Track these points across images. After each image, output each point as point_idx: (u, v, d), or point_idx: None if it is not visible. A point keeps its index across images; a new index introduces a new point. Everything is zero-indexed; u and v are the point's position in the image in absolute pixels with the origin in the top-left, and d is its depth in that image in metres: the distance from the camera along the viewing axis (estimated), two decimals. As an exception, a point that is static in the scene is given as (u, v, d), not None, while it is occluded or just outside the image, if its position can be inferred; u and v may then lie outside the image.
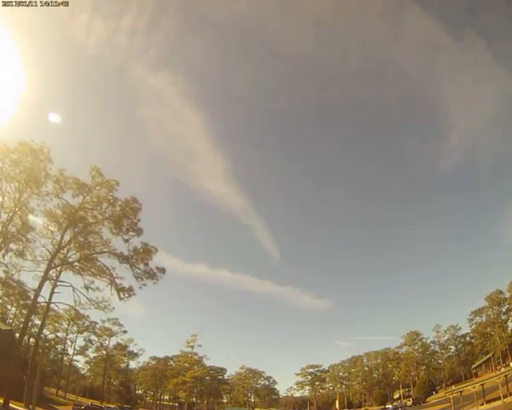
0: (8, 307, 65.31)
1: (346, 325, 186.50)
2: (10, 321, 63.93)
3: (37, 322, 54.31)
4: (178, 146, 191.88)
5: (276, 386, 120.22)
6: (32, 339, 59.08)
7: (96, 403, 64.94)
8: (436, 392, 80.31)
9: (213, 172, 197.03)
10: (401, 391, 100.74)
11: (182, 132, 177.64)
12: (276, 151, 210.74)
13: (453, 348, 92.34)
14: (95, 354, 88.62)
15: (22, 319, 57.60)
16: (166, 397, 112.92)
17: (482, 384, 40.94)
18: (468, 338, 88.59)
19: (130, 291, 38.44)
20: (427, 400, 74.07)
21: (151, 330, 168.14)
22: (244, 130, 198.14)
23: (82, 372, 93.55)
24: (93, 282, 38.78)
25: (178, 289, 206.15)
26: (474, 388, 41.69)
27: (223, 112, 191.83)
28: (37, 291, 35.81)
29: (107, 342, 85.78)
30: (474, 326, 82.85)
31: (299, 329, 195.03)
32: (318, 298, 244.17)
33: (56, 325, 72.64)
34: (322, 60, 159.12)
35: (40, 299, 36.66)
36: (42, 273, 35.96)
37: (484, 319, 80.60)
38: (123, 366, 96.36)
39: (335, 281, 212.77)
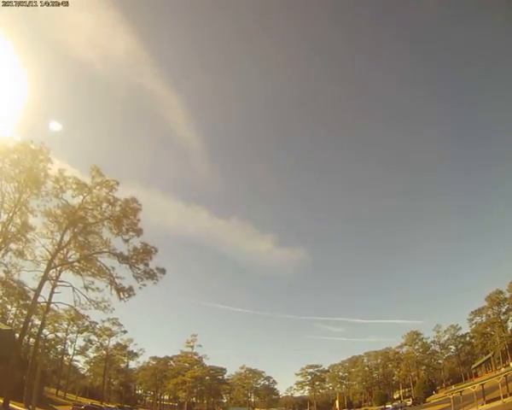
0: (8, 307, 65.46)
1: (334, 302, 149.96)
2: (10, 321, 64.01)
3: (37, 322, 54.34)
4: None
5: (276, 386, 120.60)
6: (32, 339, 59.14)
7: (96, 403, 64.93)
8: (436, 392, 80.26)
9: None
10: (401, 391, 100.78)
11: None
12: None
13: (453, 347, 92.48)
14: (95, 354, 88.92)
15: (22, 319, 57.67)
16: (166, 397, 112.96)
17: (482, 384, 40.98)
18: (468, 338, 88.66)
19: (130, 291, 38.42)
20: (427, 400, 74.08)
21: (151, 330, 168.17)
22: None
23: (82, 372, 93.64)
24: (93, 282, 38.76)
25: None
26: (474, 388, 41.72)
27: None
28: (37, 291, 35.79)
29: (107, 342, 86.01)
30: (474, 326, 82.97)
31: (254, 297, 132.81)
32: (284, 246, 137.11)
33: (56, 325, 72.55)
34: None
35: (40, 299, 36.71)
36: (42, 273, 35.95)
37: (484, 319, 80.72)
38: (123, 365, 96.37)
39: (313, 222, 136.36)
